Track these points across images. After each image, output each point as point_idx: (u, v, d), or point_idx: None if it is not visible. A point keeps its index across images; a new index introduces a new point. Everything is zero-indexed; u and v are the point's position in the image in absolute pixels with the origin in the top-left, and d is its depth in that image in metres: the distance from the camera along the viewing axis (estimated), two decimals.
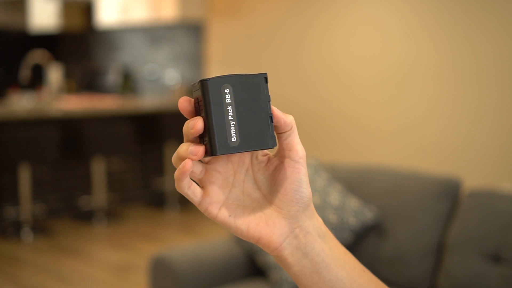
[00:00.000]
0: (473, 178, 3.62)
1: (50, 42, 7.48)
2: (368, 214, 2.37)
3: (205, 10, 5.76)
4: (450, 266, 2.16)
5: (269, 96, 0.57)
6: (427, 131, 4.24)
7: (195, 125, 0.57)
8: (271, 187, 0.62)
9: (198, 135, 0.57)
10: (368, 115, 4.58)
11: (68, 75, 7.16)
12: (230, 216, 0.61)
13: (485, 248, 2.10)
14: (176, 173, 0.58)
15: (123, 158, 5.51)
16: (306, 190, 0.61)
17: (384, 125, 4.49)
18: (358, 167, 2.59)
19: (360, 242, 2.40)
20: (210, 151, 0.56)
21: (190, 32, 6.03)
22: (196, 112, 0.58)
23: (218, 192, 0.61)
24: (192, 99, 0.59)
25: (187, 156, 0.57)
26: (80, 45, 7.39)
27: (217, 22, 5.69)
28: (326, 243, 0.62)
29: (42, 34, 7.48)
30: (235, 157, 0.61)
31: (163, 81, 6.36)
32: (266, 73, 0.57)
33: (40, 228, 4.79)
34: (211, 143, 0.55)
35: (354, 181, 2.51)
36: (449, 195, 2.31)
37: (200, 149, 0.57)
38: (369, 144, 4.59)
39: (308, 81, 4.98)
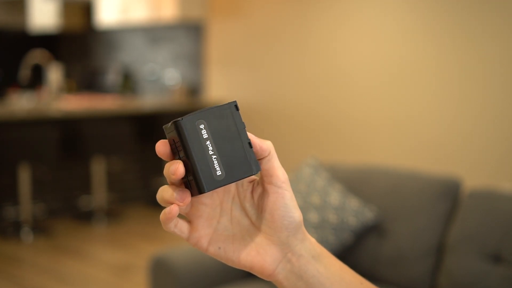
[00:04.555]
0: (473, 178, 3.62)
1: (50, 42, 7.48)
2: (368, 214, 2.37)
3: (205, 10, 5.76)
4: (450, 266, 2.16)
5: (243, 123, 0.56)
6: (427, 131, 4.24)
7: (176, 170, 0.56)
8: (258, 214, 0.61)
9: (180, 179, 0.57)
10: (368, 115, 4.58)
11: (68, 75, 7.16)
12: (219, 248, 0.61)
13: (485, 248, 2.10)
14: (162, 217, 0.58)
15: (123, 158, 5.51)
16: (293, 214, 0.59)
17: (384, 125, 4.49)
18: (358, 167, 2.59)
19: (360, 242, 2.40)
20: (198, 190, 0.56)
21: (190, 32, 6.02)
22: (174, 154, 0.58)
23: (205, 226, 0.60)
24: (168, 142, 0.58)
25: (173, 202, 0.57)
26: (80, 45, 7.39)
27: (217, 22, 5.69)
28: (321, 262, 0.61)
29: (42, 34, 7.47)
30: (221, 188, 0.60)
31: (163, 81, 6.36)
32: (235, 101, 0.57)
33: (40, 228, 4.79)
34: (197, 182, 0.55)
35: (354, 181, 2.51)
36: (449, 195, 2.31)
37: (186, 196, 0.57)
38: (369, 144, 4.59)
39: (308, 81, 4.98)
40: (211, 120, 0.56)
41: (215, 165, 0.56)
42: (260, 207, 0.60)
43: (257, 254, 0.60)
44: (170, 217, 0.57)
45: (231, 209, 0.61)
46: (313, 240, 0.62)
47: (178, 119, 0.55)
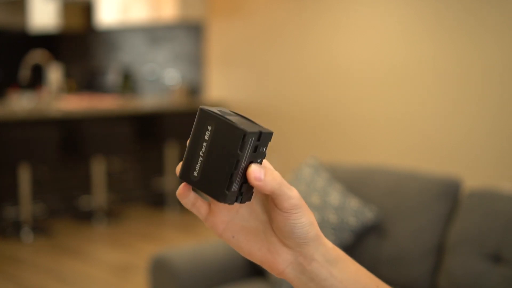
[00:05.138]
0: (473, 178, 3.62)
1: (50, 42, 7.48)
2: (368, 214, 2.37)
3: (205, 10, 5.76)
4: (450, 266, 2.16)
5: (238, 154, 0.54)
6: (427, 131, 4.24)
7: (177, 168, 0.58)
8: (271, 219, 0.60)
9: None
10: (368, 115, 4.58)
11: (68, 75, 7.16)
12: (233, 237, 0.60)
13: (485, 248, 2.10)
14: (177, 192, 0.60)
15: (123, 158, 5.51)
16: (302, 230, 0.57)
17: (384, 125, 4.49)
18: (358, 167, 2.59)
19: (360, 242, 2.40)
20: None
21: (190, 32, 6.03)
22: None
23: (224, 212, 0.60)
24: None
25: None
26: (80, 45, 7.39)
27: (217, 22, 5.69)
28: (336, 266, 0.60)
29: (42, 34, 7.48)
30: None
31: (163, 81, 6.36)
32: (245, 132, 0.54)
33: (40, 228, 4.79)
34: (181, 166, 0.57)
35: (354, 181, 2.51)
36: (449, 195, 2.31)
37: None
38: (369, 143, 4.59)
39: (308, 81, 4.98)
40: (219, 129, 0.55)
41: (196, 165, 0.56)
42: (271, 216, 0.59)
43: (268, 252, 0.60)
44: (178, 193, 0.58)
45: (253, 202, 0.61)
46: (329, 244, 0.60)
47: (204, 107, 0.56)
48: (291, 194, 0.56)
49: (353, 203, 2.40)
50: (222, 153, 0.55)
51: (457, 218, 2.23)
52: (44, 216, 5.05)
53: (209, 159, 0.55)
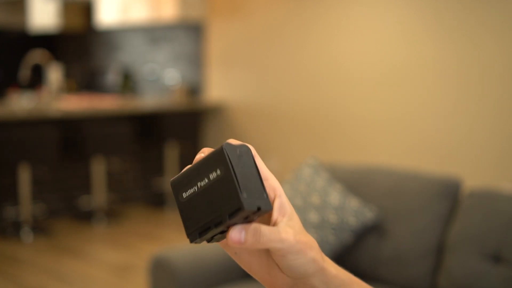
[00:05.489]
0: (473, 178, 3.62)
1: (50, 42, 7.48)
2: (368, 214, 2.37)
3: (205, 10, 5.76)
4: (450, 266, 2.16)
5: (225, 218, 0.53)
6: (427, 131, 4.24)
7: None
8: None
9: None
10: (368, 115, 4.58)
11: (68, 75, 7.16)
12: (235, 253, 0.60)
13: (485, 248, 2.10)
14: None
15: (123, 158, 5.51)
16: (300, 269, 0.56)
17: (384, 125, 4.49)
18: (358, 167, 2.59)
19: (360, 242, 2.40)
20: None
21: (190, 32, 6.02)
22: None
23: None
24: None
25: None
26: (80, 45, 7.39)
27: (217, 22, 5.69)
28: None
29: (42, 34, 7.48)
30: None
31: (163, 81, 6.36)
32: (242, 206, 0.52)
33: (40, 228, 4.79)
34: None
35: (354, 181, 2.51)
36: (449, 195, 2.31)
37: None
38: (369, 144, 4.59)
39: (308, 81, 4.98)
40: (224, 182, 0.53)
41: (189, 190, 0.55)
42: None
43: (268, 275, 0.59)
44: None
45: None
46: (332, 272, 0.58)
47: (228, 144, 0.54)
48: (281, 246, 0.54)
49: (353, 203, 2.40)
50: (214, 203, 0.53)
51: (457, 218, 2.23)
52: (44, 216, 5.05)
53: (201, 196, 0.54)
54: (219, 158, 0.53)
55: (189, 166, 0.56)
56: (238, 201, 0.52)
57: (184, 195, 0.55)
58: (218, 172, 0.53)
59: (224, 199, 0.53)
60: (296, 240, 0.55)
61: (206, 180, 0.54)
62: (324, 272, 0.58)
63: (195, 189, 0.55)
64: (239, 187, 0.52)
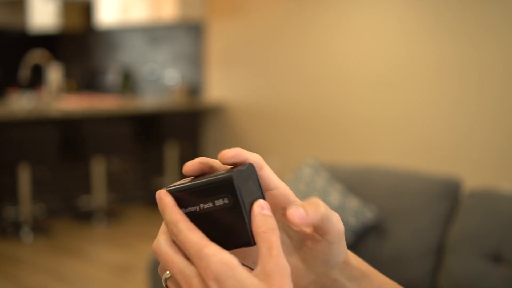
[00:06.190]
0: (473, 178, 3.62)
1: (50, 42, 7.48)
2: (368, 214, 2.37)
3: (205, 10, 5.76)
4: (450, 266, 2.16)
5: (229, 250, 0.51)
6: (428, 131, 4.24)
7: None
8: (300, 244, 0.55)
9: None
10: (368, 115, 4.58)
11: (68, 75, 7.16)
12: (253, 262, 0.56)
13: (485, 248, 2.10)
14: None
15: (123, 158, 5.51)
16: (338, 259, 0.54)
17: (384, 125, 4.49)
18: (358, 167, 2.59)
19: (360, 242, 2.40)
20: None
21: (190, 32, 6.02)
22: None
23: None
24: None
25: None
26: (80, 45, 7.39)
27: (217, 22, 5.69)
28: (360, 285, 0.57)
29: (42, 34, 7.47)
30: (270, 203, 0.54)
31: (163, 81, 6.36)
32: (251, 242, 0.50)
33: (40, 228, 4.79)
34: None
35: (354, 181, 2.51)
36: (449, 195, 2.31)
37: None
38: (370, 143, 4.59)
39: (308, 81, 4.97)
40: (232, 213, 0.51)
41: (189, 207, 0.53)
42: (304, 243, 0.54)
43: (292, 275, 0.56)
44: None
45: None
46: (354, 262, 0.57)
47: (237, 173, 0.51)
48: (336, 220, 0.52)
49: (353, 203, 2.40)
50: (218, 231, 0.51)
51: (457, 218, 2.22)
52: (44, 216, 5.05)
53: (203, 219, 0.51)
54: (227, 186, 0.50)
55: (189, 179, 0.53)
56: (247, 238, 0.50)
57: (184, 210, 0.52)
58: (226, 201, 0.50)
59: (231, 231, 0.51)
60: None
61: (211, 205, 0.51)
62: (348, 261, 0.56)
63: (196, 209, 0.51)
64: (248, 223, 0.50)
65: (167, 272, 0.51)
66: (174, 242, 0.51)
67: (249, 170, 0.52)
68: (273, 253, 0.47)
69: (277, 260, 0.47)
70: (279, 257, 0.47)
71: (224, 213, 0.51)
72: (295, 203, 0.51)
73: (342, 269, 0.56)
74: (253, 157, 0.52)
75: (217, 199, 0.50)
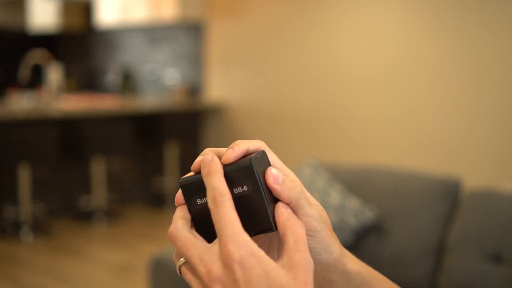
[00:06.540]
0: (473, 178, 3.62)
1: (50, 42, 7.48)
2: (368, 214, 2.37)
3: (205, 10, 5.76)
4: (450, 266, 2.16)
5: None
6: (428, 131, 4.24)
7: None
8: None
9: None
10: (368, 115, 4.58)
11: (68, 75, 7.16)
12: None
13: (485, 248, 2.10)
14: None
15: (123, 158, 5.51)
16: (319, 257, 0.53)
17: (384, 125, 4.49)
18: (358, 167, 2.59)
19: (360, 242, 2.40)
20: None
21: (190, 32, 6.02)
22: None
23: None
24: None
25: None
26: (80, 45, 7.39)
27: (217, 22, 5.69)
28: (352, 284, 0.57)
29: (42, 34, 7.47)
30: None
31: (163, 81, 6.36)
32: (272, 228, 0.51)
33: (39, 228, 4.79)
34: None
35: (354, 181, 2.51)
36: (449, 195, 2.31)
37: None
38: (369, 143, 4.59)
39: (308, 81, 4.97)
40: (253, 199, 0.51)
41: (205, 198, 0.52)
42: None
43: None
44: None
45: None
46: (353, 269, 0.56)
47: (255, 157, 0.51)
48: (310, 212, 0.52)
49: (353, 203, 2.40)
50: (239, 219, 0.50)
51: (457, 218, 2.22)
52: (44, 216, 5.05)
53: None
54: (246, 174, 0.50)
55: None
56: (268, 223, 0.50)
57: (199, 201, 0.51)
58: (245, 188, 0.50)
59: (252, 217, 0.50)
60: (322, 219, 0.53)
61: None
62: (345, 268, 0.56)
63: None
64: (269, 208, 0.51)
65: (182, 259, 0.51)
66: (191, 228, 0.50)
67: (263, 156, 0.53)
68: (300, 247, 0.48)
69: (304, 254, 0.48)
70: (306, 251, 0.48)
71: (245, 200, 0.50)
72: (284, 171, 0.52)
73: (339, 273, 0.56)
74: (256, 144, 0.52)
75: (236, 187, 0.50)
